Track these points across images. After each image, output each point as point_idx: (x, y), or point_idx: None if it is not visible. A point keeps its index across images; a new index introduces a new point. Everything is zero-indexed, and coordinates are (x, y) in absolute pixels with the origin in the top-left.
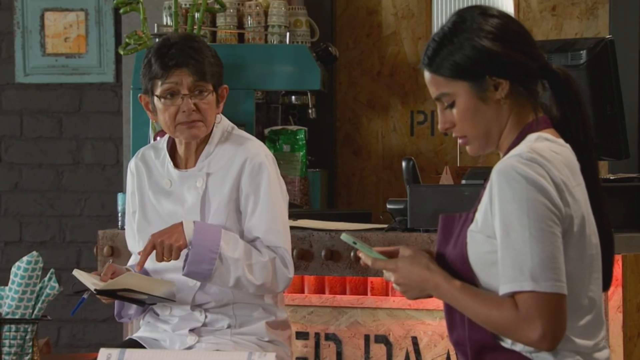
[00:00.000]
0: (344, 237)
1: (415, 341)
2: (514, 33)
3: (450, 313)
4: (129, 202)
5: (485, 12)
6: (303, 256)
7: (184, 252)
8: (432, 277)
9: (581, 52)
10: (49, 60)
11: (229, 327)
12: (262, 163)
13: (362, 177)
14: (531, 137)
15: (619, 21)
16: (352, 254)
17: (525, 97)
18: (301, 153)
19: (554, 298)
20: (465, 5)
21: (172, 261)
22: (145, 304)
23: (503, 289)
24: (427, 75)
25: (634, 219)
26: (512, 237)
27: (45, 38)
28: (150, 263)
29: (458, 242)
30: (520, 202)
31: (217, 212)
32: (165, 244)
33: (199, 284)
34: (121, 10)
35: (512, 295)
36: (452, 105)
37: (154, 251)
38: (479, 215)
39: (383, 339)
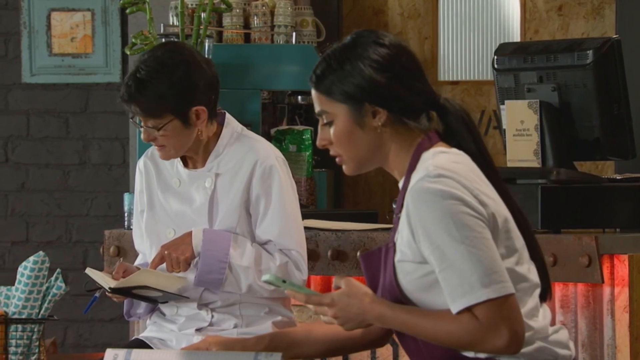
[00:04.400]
0: (268, 277)
1: None
2: (401, 66)
3: (403, 342)
4: (137, 200)
5: (377, 39)
6: (309, 256)
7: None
8: (372, 308)
9: (588, 52)
10: (55, 60)
11: (235, 327)
12: (273, 165)
13: (368, 177)
14: (427, 155)
15: (626, 21)
16: (357, 253)
17: (405, 125)
18: (307, 153)
19: (507, 300)
20: (468, 7)
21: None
22: (158, 302)
23: (457, 306)
24: (312, 91)
25: None
26: (448, 255)
27: (51, 38)
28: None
29: (387, 275)
30: (444, 219)
31: (227, 214)
32: (173, 257)
33: None
34: (127, 10)
35: (467, 310)
36: (330, 124)
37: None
38: (402, 245)
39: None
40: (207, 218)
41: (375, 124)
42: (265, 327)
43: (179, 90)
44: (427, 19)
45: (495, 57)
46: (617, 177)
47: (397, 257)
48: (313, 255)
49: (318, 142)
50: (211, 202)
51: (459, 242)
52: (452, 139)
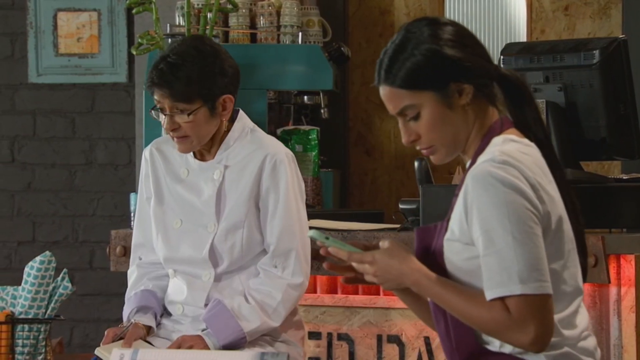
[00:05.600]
0: (312, 234)
1: (427, 341)
2: (470, 39)
3: (438, 326)
4: (143, 187)
5: (435, 21)
6: (315, 256)
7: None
8: (411, 273)
9: (594, 51)
10: (61, 61)
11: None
12: (282, 160)
13: (375, 177)
14: (497, 140)
15: (632, 21)
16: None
17: (485, 100)
18: (313, 153)
19: (542, 299)
20: (474, 7)
21: (188, 253)
22: None
23: (491, 294)
24: (385, 90)
25: None
26: (495, 242)
27: (58, 38)
28: (166, 251)
29: (436, 253)
30: (500, 206)
31: (234, 207)
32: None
33: (212, 281)
34: (134, 11)
35: (500, 299)
36: (416, 117)
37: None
38: (453, 224)
39: (395, 339)
40: (214, 210)
41: (463, 102)
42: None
43: (210, 76)
44: None
45: (502, 57)
46: (624, 177)
47: (447, 235)
48: (319, 255)
49: (405, 140)
50: (219, 194)
51: (509, 232)
52: (516, 118)
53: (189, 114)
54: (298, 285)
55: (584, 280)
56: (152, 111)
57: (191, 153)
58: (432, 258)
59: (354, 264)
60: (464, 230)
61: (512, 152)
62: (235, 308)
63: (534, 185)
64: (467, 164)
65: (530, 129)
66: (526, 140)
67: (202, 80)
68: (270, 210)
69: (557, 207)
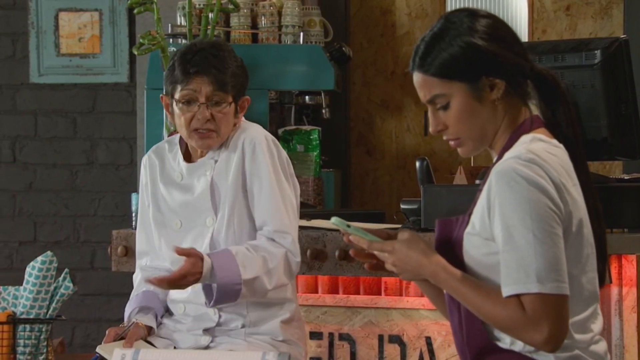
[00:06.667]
0: (334, 220)
1: (429, 341)
2: (507, 33)
3: (452, 318)
4: (143, 195)
5: (475, 13)
6: (317, 256)
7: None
8: (429, 264)
9: (595, 51)
10: (63, 61)
11: (242, 326)
12: (260, 142)
13: (376, 177)
14: (525, 139)
15: (634, 21)
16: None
17: (517, 97)
18: (315, 153)
19: (559, 299)
20: (476, 6)
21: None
22: None
23: (508, 291)
24: (418, 77)
25: None
26: (515, 238)
27: (59, 38)
28: (171, 253)
29: (455, 245)
30: (522, 204)
31: (227, 197)
32: (182, 284)
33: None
34: (135, 11)
35: (516, 296)
36: (445, 107)
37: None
38: (475, 218)
39: (397, 339)
40: (209, 205)
41: (493, 97)
42: (272, 326)
43: (240, 73)
44: (434, 18)
45: None
46: (625, 177)
47: (468, 229)
48: (320, 255)
49: (433, 129)
50: (212, 188)
51: (529, 230)
52: (548, 117)
53: (229, 104)
54: (296, 261)
55: (600, 286)
56: (180, 104)
57: (182, 157)
58: (451, 250)
59: (376, 252)
60: (485, 225)
61: (538, 151)
62: (240, 254)
63: (557, 186)
64: (494, 159)
65: (560, 130)
66: (555, 141)
67: (238, 74)
68: (256, 193)
69: (579, 210)
